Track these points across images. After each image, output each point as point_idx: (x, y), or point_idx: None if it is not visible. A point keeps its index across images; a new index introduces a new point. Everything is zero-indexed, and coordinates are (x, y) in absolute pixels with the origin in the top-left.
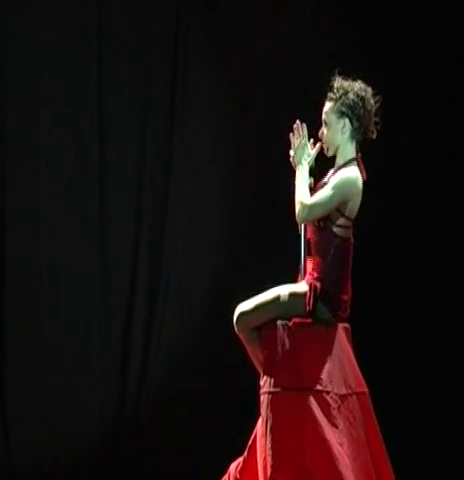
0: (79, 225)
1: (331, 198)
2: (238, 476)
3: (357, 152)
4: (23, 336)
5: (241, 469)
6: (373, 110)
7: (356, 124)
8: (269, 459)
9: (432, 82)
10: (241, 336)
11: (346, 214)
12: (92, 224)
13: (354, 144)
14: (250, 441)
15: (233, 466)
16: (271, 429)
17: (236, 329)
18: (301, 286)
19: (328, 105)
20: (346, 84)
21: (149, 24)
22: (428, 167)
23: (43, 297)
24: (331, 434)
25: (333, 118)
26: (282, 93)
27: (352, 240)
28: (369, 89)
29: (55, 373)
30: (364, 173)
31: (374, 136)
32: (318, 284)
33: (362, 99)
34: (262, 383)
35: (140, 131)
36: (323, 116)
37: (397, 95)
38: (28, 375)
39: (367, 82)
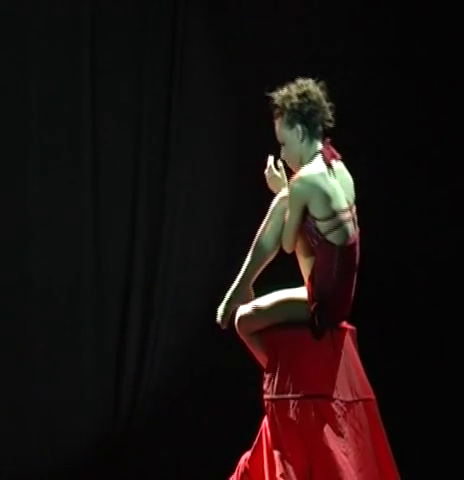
0: (71, 223)
1: (290, 219)
2: (247, 465)
3: (322, 143)
4: (12, 342)
5: (250, 459)
6: (322, 98)
7: (311, 121)
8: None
9: None
10: (243, 339)
11: (319, 217)
12: (86, 223)
13: (316, 141)
14: (259, 432)
15: (242, 459)
16: (275, 437)
17: (237, 331)
18: (302, 292)
19: (277, 123)
20: (284, 92)
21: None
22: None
23: (33, 300)
24: (336, 443)
25: (286, 132)
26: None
27: (355, 239)
28: (310, 80)
29: (46, 382)
30: (336, 156)
31: (331, 124)
32: (316, 304)
33: (304, 94)
34: (265, 387)
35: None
36: (277, 138)
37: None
38: (17, 384)
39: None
